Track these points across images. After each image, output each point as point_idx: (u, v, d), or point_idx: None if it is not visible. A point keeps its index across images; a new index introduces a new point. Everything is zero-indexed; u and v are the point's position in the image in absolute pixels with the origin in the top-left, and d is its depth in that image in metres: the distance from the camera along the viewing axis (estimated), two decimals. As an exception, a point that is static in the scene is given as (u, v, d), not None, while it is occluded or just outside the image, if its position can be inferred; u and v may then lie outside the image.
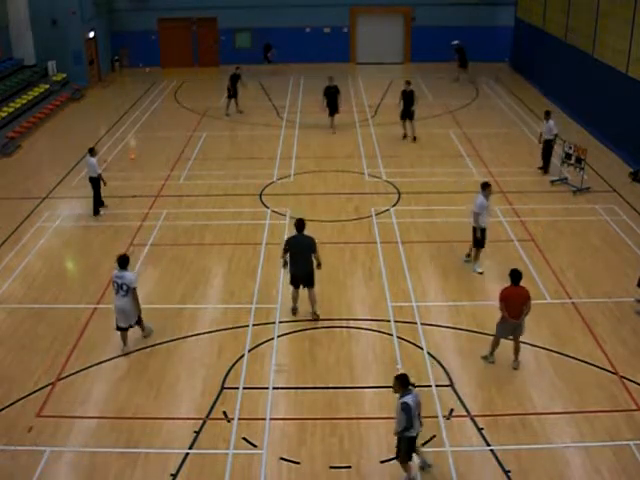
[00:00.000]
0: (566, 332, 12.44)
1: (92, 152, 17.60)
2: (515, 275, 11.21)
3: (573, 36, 25.99)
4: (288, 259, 12.68)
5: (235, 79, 26.35)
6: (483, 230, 14.35)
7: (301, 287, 12.83)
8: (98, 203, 17.69)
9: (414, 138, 23.14)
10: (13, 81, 27.20)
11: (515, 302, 11.11)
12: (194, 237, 16.38)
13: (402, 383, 8.77)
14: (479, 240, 14.39)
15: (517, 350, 11.43)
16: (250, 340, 12.28)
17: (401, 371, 9.69)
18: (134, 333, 12.22)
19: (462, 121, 25.40)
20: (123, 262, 11.80)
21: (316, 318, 12.81)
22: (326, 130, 24.34)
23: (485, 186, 14.37)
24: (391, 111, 26.84)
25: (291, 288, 12.95)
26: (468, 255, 14.80)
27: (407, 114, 23.09)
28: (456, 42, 31.04)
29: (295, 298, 12.98)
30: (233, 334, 12.52)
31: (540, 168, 20.03)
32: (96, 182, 17.53)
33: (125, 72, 34.80)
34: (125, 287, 11.58)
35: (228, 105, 26.60)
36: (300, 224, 12.73)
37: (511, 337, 11.39)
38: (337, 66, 33.66)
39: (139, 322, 12.06)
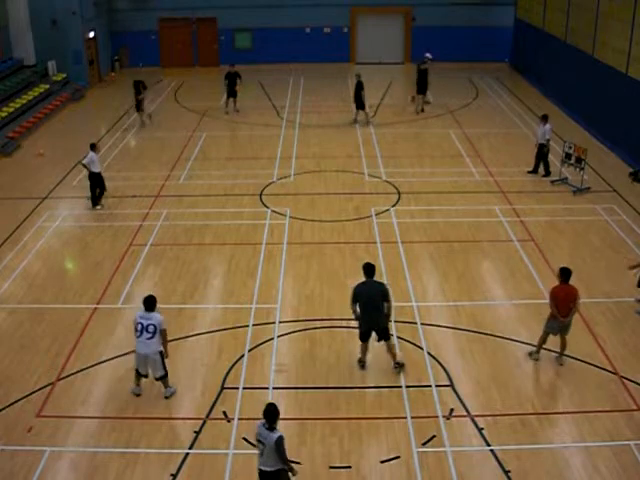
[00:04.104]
0: (566, 332, 12.45)
1: (93, 147, 17.83)
2: (565, 273, 11.25)
3: (573, 37, 26.02)
4: (358, 310, 11.08)
5: (231, 78, 26.16)
6: None
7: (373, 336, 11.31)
8: (99, 195, 18.02)
9: (421, 106, 26.53)
10: (13, 81, 27.18)
11: (564, 300, 11.19)
12: (194, 237, 16.38)
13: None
14: None
15: (564, 347, 11.54)
16: (250, 340, 12.28)
17: None
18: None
19: (462, 121, 25.40)
20: (150, 304, 10.54)
21: (401, 369, 11.31)
22: (327, 130, 24.39)
23: None
24: (391, 111, 26.92)
25: (359, 342, 11.42)
26: None
27: (422, 89, 26.24)
28: (428, 55, 27.66)
29: (364, 351, 11.44)
30: (233, 334, 12.51)
31: (529, 172, 19.85)
32: (97, 177, 17.80)
33: (125, 72, 34.78)
34: (152, 328, 10.39)
35: (227, 104, 26.61)
36: (370, 269, 11.20)
37: (558, 334, 11.48)
38: (337, 66, 33.68)
39: (164, 377, 10.76)
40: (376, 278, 11.36)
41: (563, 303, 11.20)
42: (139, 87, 25.08)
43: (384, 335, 11.24)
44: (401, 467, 9.43)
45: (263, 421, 8.24)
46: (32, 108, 26.36)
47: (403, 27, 35.19)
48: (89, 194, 18.01)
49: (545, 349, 11.81)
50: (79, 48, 30.93)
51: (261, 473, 8.38)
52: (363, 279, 11.18)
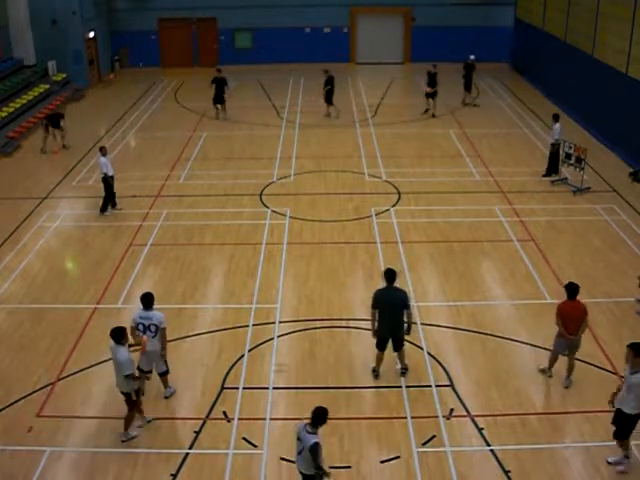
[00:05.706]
0: (566, 332, 12.43)
1: (102, 151, 17.60)
2: (571, 289, 10.81)
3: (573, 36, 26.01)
4: (377, 316, 10.83)
5: (218, 83, 25.46)
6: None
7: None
8: (107, 202, 17.64)
9: (433, 115, 25.86)
10: (13, 81, 27.19)
11: (572, 317, 10.75)
12: (194, 237, 16.38)
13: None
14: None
15: (571, 367, 11.07)
16: (250, 340, 12.28)
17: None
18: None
19: (462, 121, 25.39)
20: (149, 302, 10.53)
21: (405, 372, 11.27)
22: (327, 130, 24.41)
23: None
24: (391, 111, 26.92)
25: (376, 351, 11.17)
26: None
27: (432, 93, 25.83)
28: (472, 57, 28.15)
29: (380, 360, 11.20)
30: (233, 334, 12.52)
31: (544, 175, 19.73)
32: (106, 181, 17.54)
33: (125, 72, 34.78)
34: (154, 327, 10.38)
35: (219, 110, 26.06)
36: (391, 275, 10.86)
37: (566, 353, 11.02)
38: (337, 66, 33.65)
39: (166, 373, 10.81)
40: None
41: (570, 319, 10.77)
42: (58, 120, 22.54)
43: (398, 345, 11.05)
44: (401, 467, 9.44)
45: (306, 422, 8.10)
46: (32, 108, 26.36)
47: (403, 27, 35.19)
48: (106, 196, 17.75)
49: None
50: (79, 48, 30.93)
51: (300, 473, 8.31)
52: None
